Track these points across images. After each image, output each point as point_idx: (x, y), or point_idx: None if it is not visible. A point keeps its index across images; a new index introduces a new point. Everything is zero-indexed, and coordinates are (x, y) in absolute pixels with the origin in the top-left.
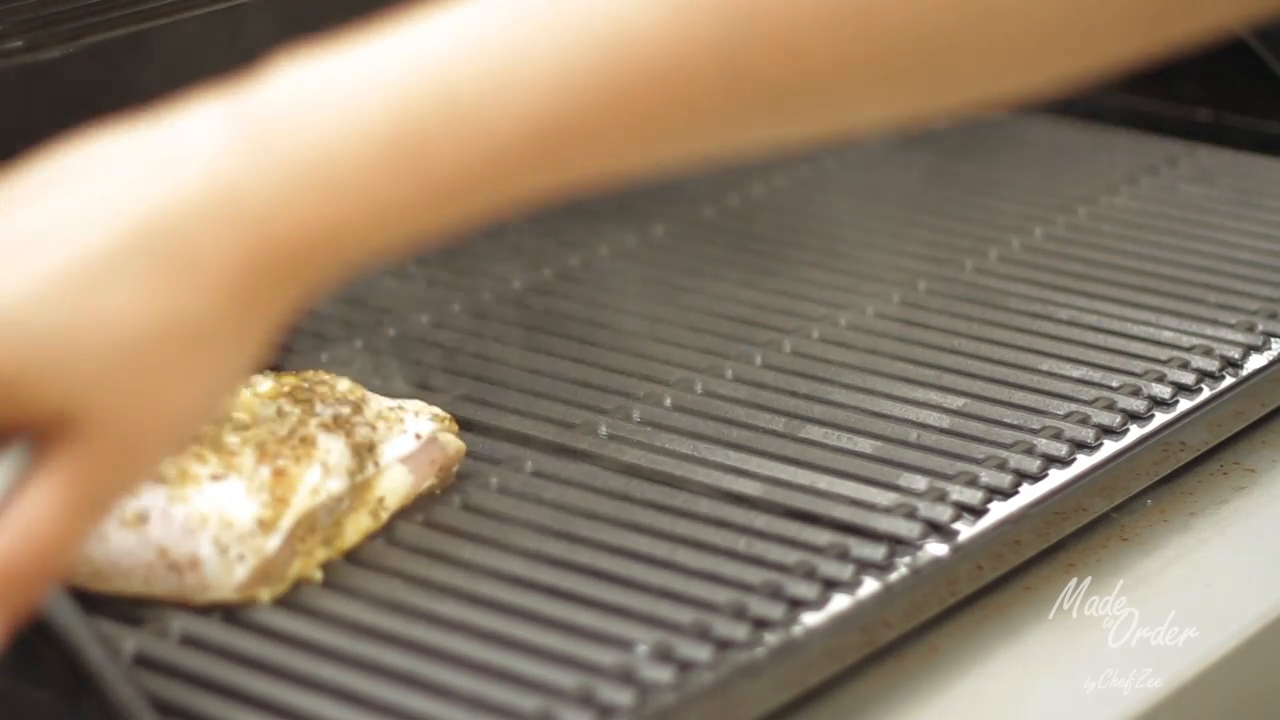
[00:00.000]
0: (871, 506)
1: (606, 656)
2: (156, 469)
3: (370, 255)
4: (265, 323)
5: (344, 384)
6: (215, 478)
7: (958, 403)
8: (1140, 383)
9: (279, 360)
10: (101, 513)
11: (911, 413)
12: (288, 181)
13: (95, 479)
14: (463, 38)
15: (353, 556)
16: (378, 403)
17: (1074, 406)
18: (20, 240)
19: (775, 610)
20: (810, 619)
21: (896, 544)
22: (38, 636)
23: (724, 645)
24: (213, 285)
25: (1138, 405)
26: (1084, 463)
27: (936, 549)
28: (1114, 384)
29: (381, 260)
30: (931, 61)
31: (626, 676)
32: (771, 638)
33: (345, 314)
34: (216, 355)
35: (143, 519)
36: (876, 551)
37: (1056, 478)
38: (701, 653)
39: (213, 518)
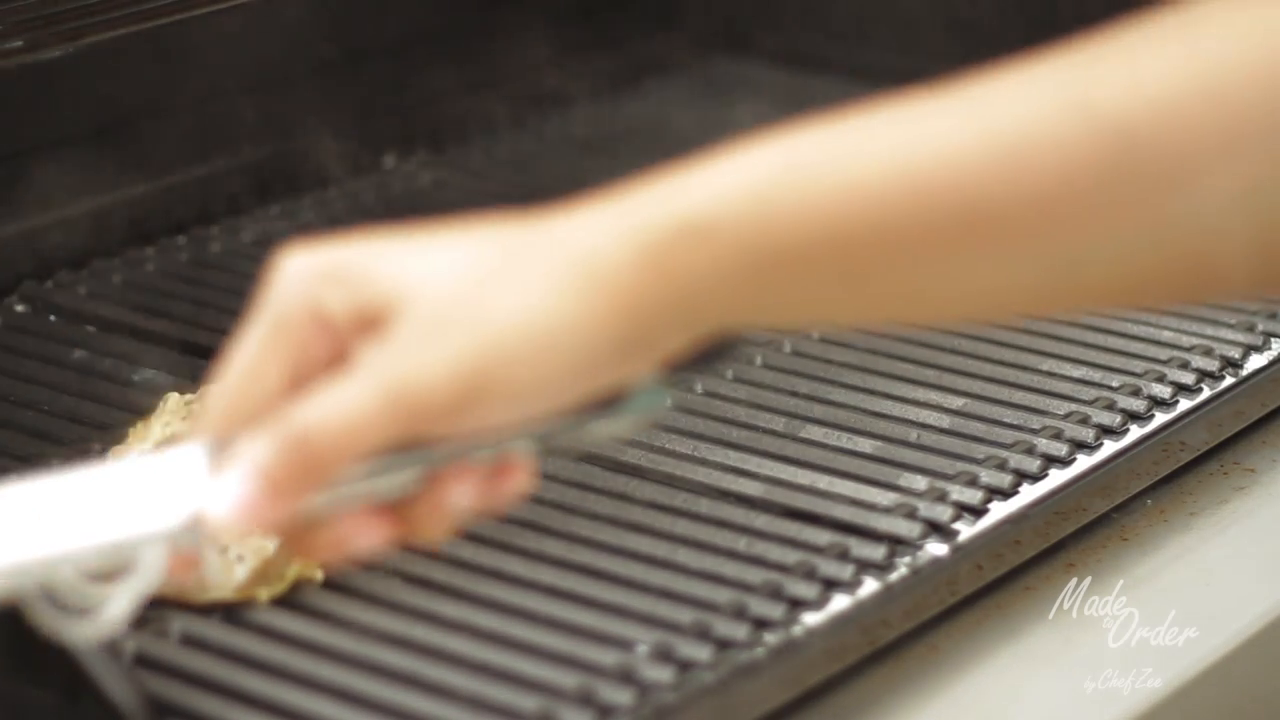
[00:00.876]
0: (871, 506)
1: (606, 656)
2: (469, 421)
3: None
4: (637, 363)
5: None
6: None
7: (958, 403)
8: (1140, 383)
9: None
10: (406, 421)
11: (911, 413)
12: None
13: (413, 387)
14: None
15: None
16: None
17: (1074, 406)
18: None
19: (775, 610)
20: (810, 619)
21: (896, 544)
22: (38, 636)
23: (724, 645)
24: (615, 303)
25: (1138, 405)
26: (1084, 463)
27: (936, 549)
28: (1114, 384)
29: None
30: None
31: (626, 676)
32: (771, 638)
33: None
34: (582, 352)
35: None
36: (876, 551)
37: (1056, 478)
38: (701, 653)
39: None
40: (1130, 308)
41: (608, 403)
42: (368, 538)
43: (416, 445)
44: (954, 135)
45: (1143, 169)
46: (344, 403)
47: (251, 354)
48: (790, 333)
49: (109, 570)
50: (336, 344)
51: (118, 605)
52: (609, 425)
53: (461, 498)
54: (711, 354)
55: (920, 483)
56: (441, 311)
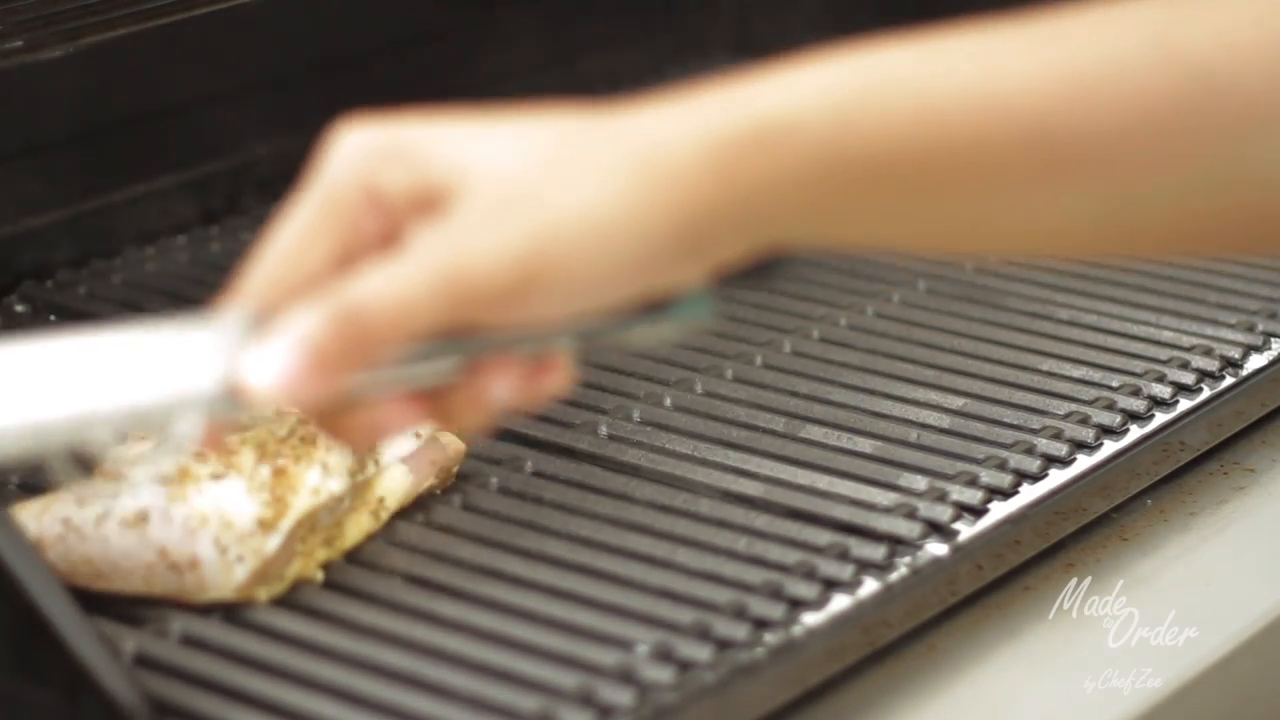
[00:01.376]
0: (871, 506)
1: (606, 656)
2: (527, 310)
3: (798, 242)
4: (691, 268)
5: None
6: (215, 477)
7: (958, 403)
8: (1140, 383)
9: None
10: (459, 305)
11: (911, 413)
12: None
13: (469, 271)
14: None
15: (353, 556)
16: None
17: (1074, 406)
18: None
19: (775, 610)
20: (810, 619)
21: (896, 544)
22: (38, 636)
23: (724, 645)
24: (677, 202)
25: (1138, 405)
26: (1084, 463)
27: (936, 549)
28: (1114, 384)
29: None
30: None
31: (626, 676)
32: (771, 638)
33: None
34: (639, 249)
35: (143, 518)
36: (876, 551)
37: (1056, 478)
38: (701, 653)
39: (213, 518)
40: (1186, 255)
41: (653, 307)
42: (403, 423)
43: (463, 333)
44: (1035, 65)
45: (1219, 113)
46: (398, 281)
47: (301, 226)
48: (842, 247)
49: (140, 435)
50: (389, 224)
51: (147, 474)
52: (653, 330)
53: (500, 390)
54: (762, 269)
55: (920, 483)
56: (503, 197)
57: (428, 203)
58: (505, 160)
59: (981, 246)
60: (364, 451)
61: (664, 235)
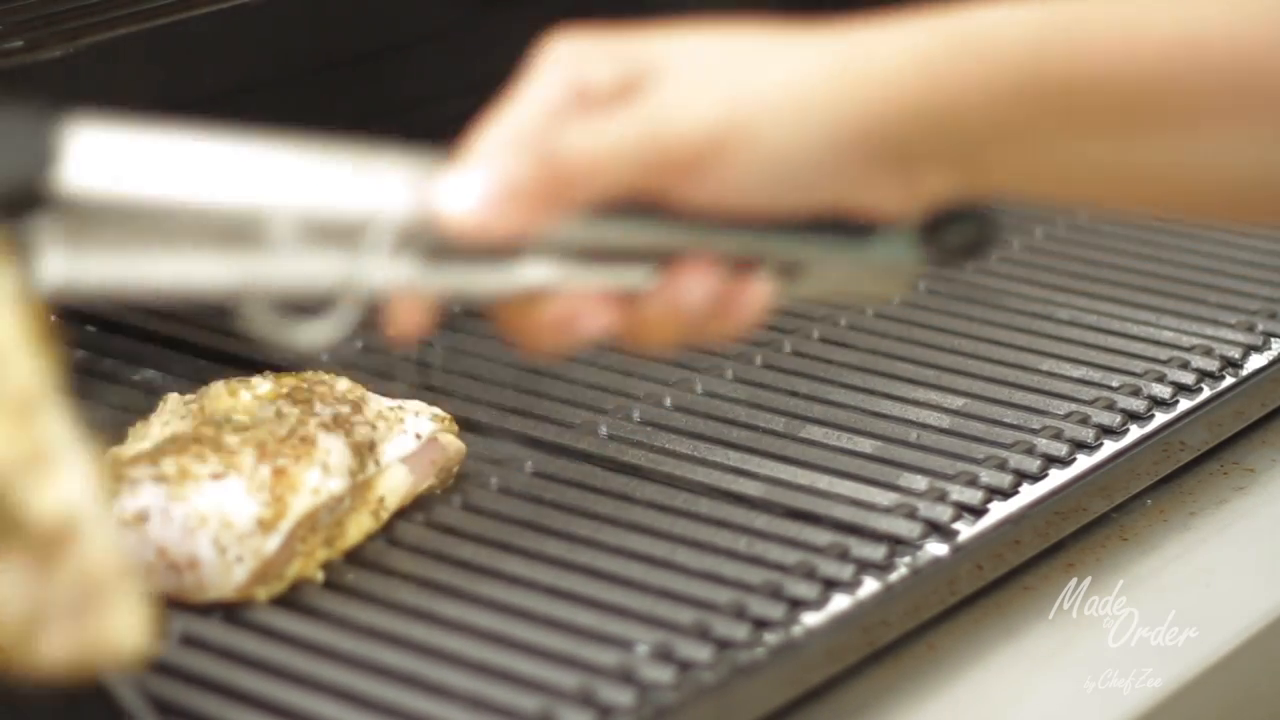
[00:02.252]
0: (871, 506)
1: (606, 656)
2: (719, 191)
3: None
4: (888, 185)
5: (343, 384)
6: (215, 476)
7: (958, 403)
8: (1140, 383)
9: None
10: (653, 162)
11: (911, 413)
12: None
13: (665, 128)
14: None
15: (353, 556)
16: (377, 402)
17: (1074, 406)
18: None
19: (775, 610)
20: (810, 619)
21: (896, 544)
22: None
23: (724, 645)
24: (876, 96)
25: (1138, 405)
26: (1084, 463)
27: (936, 549)
28: (1114, 384)
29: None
30: None
31: (626, 676)
32: (771, 638)
33: None
34: (832, 135)
35: (142, 518)
36: (876, 551)
37: (1056, 478)
38: (701, 653)
39: (212, 517)
40: None
41: (857, 229)
42: (594, 323)
43: (660, 211)
44: (1234, 12)
45: None
46: (598, 133)
47: (508, 127)
48: (1041, 195)
49: (322, 253)
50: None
51: (339, 314)
52: (857, 254)
53: (696, 294)
54: (971, 238)
55: (920, 483)
56: (703, 70)
57: (632, 88)
58: (710, 46)
59: (1178, 199)
60: (552, 352)
61: (862, 127)
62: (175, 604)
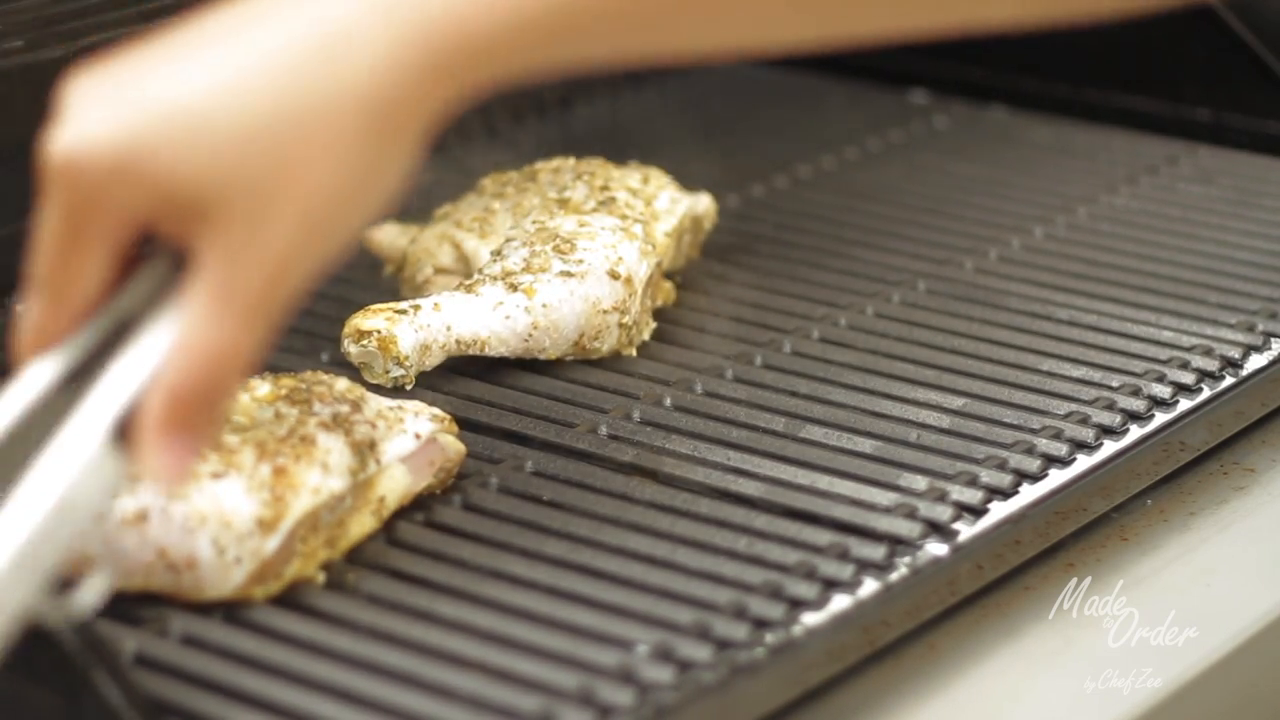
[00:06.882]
0: (871, 506)
1: (606, 656)
2: (296, 274)
3: (500, 78)
4: (409, 133)
5: (342, 383)
6: (215, 475)
7: (958, 403)
8: (1140, 383)
9: (276, 360)
10: (253, 314)
11: (911, 413)
12: None
13: (235, 272)
14: None
15: (353, 556)
16: (377, 402)
17: (1074, 406)
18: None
19: (775, 610)
20: (810, 619)
21: (896, 544)
22: (38, 636)
23: (724, 645)
24: (364, 80)
25: (1138, 405)
26: (1084, 463)
27: (936, 549)
28: (1114, 384)
29: (504, 85)
30: None
31: (626, 676)
32: (771, 638)
33: (345, 314)
34: (357, 151)
35: (142, 517)
36: (876, 551)
37: (1056, 478)
38: (701, 653)
39: (212, 517)
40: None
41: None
42: None
43: None
44: None
45: None
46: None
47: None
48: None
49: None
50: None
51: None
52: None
53: None
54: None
55: (920, 483)
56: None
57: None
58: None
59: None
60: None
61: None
62: (175, 604)
